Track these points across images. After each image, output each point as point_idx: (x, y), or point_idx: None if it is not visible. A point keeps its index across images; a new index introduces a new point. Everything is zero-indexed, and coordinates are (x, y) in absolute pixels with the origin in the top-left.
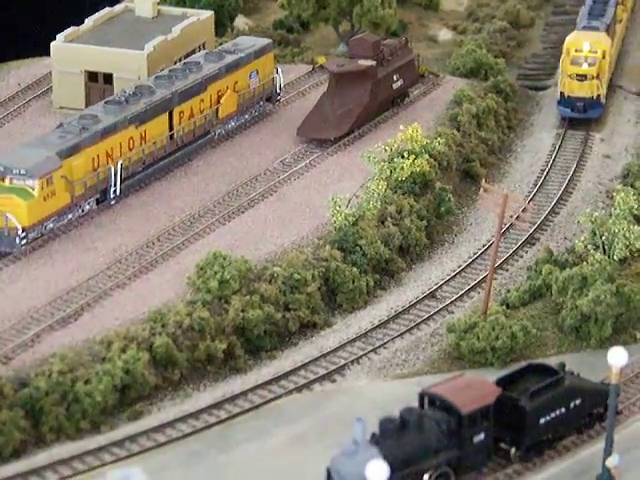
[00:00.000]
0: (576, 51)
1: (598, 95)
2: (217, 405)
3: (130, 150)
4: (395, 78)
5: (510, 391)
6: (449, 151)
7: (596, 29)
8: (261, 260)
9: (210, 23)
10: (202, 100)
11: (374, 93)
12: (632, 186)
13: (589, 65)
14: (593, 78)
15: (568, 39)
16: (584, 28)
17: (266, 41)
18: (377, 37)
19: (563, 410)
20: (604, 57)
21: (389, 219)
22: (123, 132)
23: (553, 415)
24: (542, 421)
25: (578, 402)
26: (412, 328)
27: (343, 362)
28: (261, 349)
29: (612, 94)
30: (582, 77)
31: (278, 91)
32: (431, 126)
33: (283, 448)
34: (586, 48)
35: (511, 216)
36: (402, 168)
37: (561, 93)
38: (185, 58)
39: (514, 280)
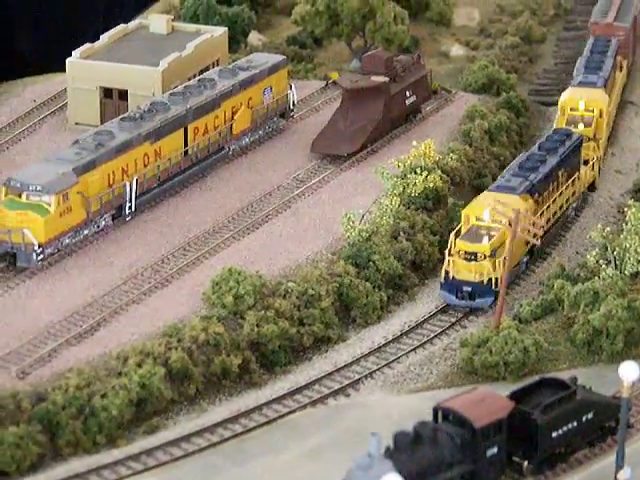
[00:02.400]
0: (477, 220)
1: (490, 280)
2: (232, 419)
3: (145, 166)
4: (408, 94)
5: (523, 405)
6: (461, 167)
7: (512, 190)
8: (275, 275)
9: (224, 39)
10: (216, 116)
11: (387, 109)
12: None
13: (489, 238)
14: (485, 258)
15: (469, 205)
16: (498, 188)
17: (280, 57)
18: (390, 53)
19: (575, 424)
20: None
21: (402, 234)
22: (138, 148)
23: (565, 429)
24: (554, 435)
25: (590, 416)
26: (425, 343)
27: (357, 377)
28: (276, 364)
29: (623, 110)
30: (471, 255)
31: (292, 107)
32: (443, 142)
33: (298, 462)
34: (486, 217)
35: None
36: (415, 184)
37: (445, 272)
38: (199, 75)
39: (526, 295)
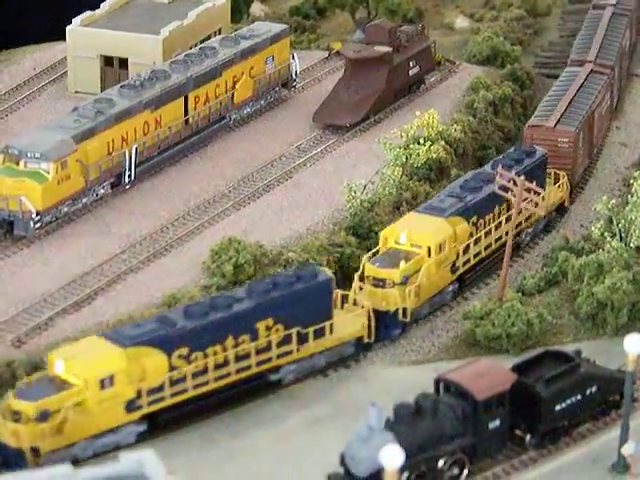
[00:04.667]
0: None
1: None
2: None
3: (145, 134)
4: (411, 65)
5: (526, 378)
6: (465, 138)
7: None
8: (276, 245)
9: (226, 9)
10: (217, 85)
11: (390, 79)
12: None
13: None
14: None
15: None
16: None
17: (282, 27)
18: (394, 24)
19: (579, 397)
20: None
21: (404, 205)
22: (138, 116)
23: (569, 402)
24: (557, 408)
25: (594, 389)
26: (428, 314)
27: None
28: None
29: (629, 82)
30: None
31: (294, 77)
32: (447, 113)
33: (297, 433)
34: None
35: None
36: (418, 154)
37: None
38: (201, 44)
39: (530, 267)
